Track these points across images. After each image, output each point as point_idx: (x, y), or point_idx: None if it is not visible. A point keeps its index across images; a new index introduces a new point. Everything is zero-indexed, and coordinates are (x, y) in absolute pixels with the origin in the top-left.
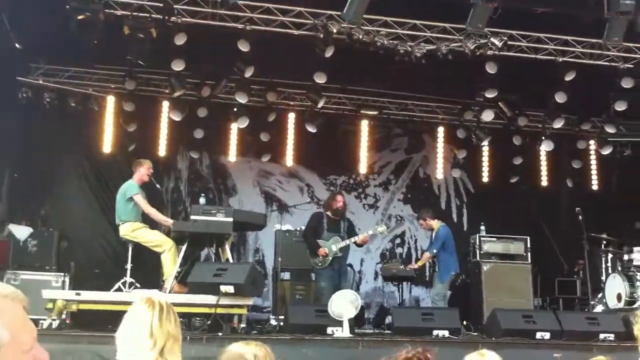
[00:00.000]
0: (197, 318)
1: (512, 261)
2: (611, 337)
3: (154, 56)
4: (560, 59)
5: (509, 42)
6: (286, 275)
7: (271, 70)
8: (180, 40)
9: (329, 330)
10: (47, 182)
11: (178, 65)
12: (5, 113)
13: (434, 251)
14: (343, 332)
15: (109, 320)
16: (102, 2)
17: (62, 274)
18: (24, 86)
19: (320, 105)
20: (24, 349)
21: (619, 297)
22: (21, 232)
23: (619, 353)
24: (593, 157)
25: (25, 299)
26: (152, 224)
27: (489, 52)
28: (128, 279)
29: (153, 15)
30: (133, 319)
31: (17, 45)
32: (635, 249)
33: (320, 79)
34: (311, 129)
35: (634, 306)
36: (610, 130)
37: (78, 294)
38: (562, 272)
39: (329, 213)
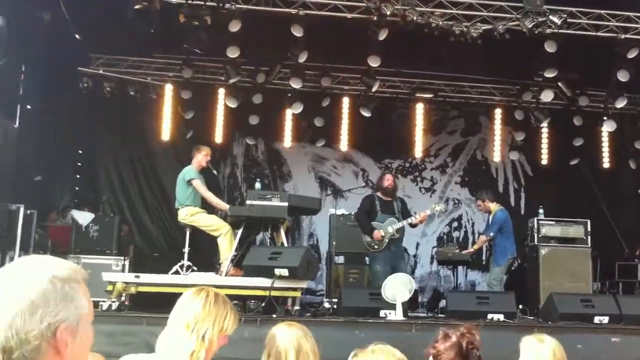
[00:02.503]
0: (252, 301)
1: (571, 245)
2: None
3: (209, 44)
4: (623, 36)
5: (569, 20)
6: (340, 259)
7: (325, 55)
8: (234, 27)
9: (382, 313)
10: (108, 169)
11: (233, 52)
12: (67, 102)
13: (491, 234)
14: (396, 315)
15: (167, 303)
16: None
17: (122, 257)
18: (85, 76)
19: (374, 89)
20: (90, 321)
21: None
22: (83, 217)
23: None
24: None
25: (85, 273)
26: (210, 209)
27: (548, 31)
28: (185, 262)
29: (208, 3)
30: (179, 304)
31: (77, 36)
32: None
33: (374, 62)
34: (365, 113)
35: None
36: None
37: (137, 277)
38: (623, 255)
39: (379, 194)
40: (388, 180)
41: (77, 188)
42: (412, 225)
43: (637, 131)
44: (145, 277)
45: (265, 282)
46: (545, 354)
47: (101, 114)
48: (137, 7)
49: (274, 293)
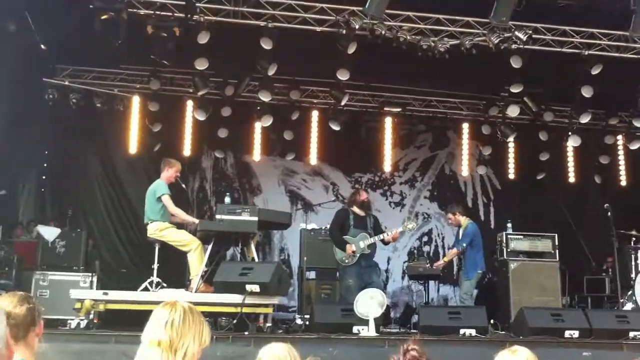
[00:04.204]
0: (223, 317)
1: (539, 259)
2: None
3: (177, 55)
4: (586, 52)
5: (534, 36)
6: (312, 274)
7: (294, 68)
8: (203, 38)
9: (355, 329)
10: (73, 183)
11: (201, 64)
12: (32, 114)
13: (464, 245)
14: (369, 331)
15: (136, 320)
16: (125, 2)
17: (90, 274)
18: (50, 87)
19: (343, 102)
20: None
21: None
22: (49, 232)
23: None
24: (621, 152)
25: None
26: (179, 224)
27: (514, 46)
28: (155, 278)
29: (176, 14)
30: (152, 320)
31: (42, 46)
32: None
33: (343, 76)
34: (335, 126)
35: None
36: (638, 124)
37: (105, 294)
38: (591, 269)
39: (354, 209)
40: (363, 196)
41: (42, 202)
42: (384, 242)
43: (601, 146)
44: (114, 294)
45: (236, 298)
46: None
47: (67, 126)
48: (103, 17)
49: (245, 309)
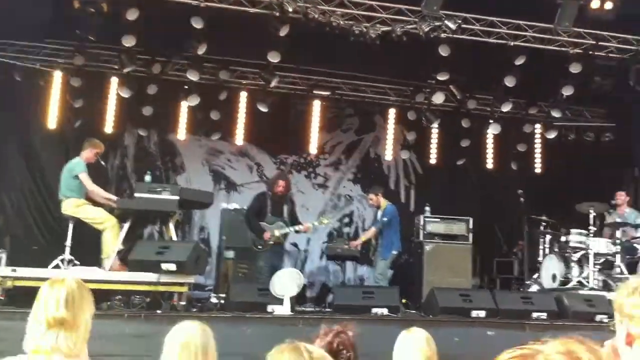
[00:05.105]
0: (136, 296)
1: (454, 241)
2: (544, 316)
3: (104, 31)
4: (512, 43)
5: (463, 25)
6: (230, 254)
7: (224, 48)
8: (131, 15)
9: (269, 308)
10: None
11: (129, 41)
12: None
13: (384, 221)
14: (283, 309)
15: None
16: None
17: None
18: None
19: (272, 84)
20: None
21: (553, 278)
22: None
23: (551, 331)
24: (538, 141)
25: None
26: (95, 202)
27: (443, 35)
28: (67, 256)
29: None
30: (46, 298)
31: None
32: (572, 230)
33: (273, 58)
34: (263, 108)
35: (567, 286)
36: (556, 114)
37: (14, 270)
38: (501, 252)
39: (272, 194)
40: (280, 187)
41: None
42: (297, 232)
43: (520, 135)
44: (23, 271)
45: (151, 277)
46: (413, 343)
47: None
48: None
49: (160, 288)
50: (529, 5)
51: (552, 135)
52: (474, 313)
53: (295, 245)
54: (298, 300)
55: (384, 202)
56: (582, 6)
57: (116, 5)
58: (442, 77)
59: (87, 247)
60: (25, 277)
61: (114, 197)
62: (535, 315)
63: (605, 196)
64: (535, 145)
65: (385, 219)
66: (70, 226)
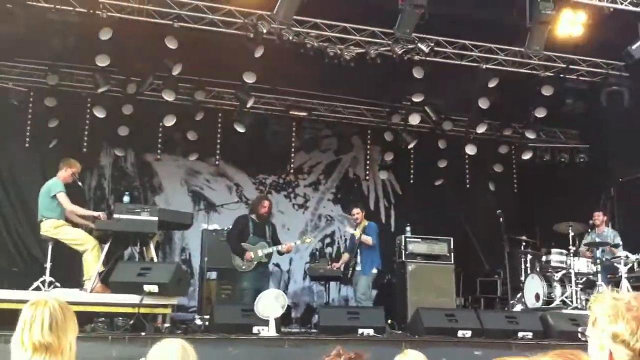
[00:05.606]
0: (120, 318)
1: (436, 261)
2: (529, 335)
3: (78, 51)
4: (484, 66)
5: (436, 48)
6: (212, 275)
7: (200, 68)
8: (105, 35)
9: (255, 329)
10: None
11: (103, 61)
12: None
13: (374, 241)
14: (269, 331)
15: None
16: None
17: None
18: None
19: (249, 105)
20: None
21: (537, 297)
22: None
23: (536, 350)
24: (514, 161)
25: None
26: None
27: (416, 58)
28: (47, 277)
29: (77, 9)
30: (28, 321)
31: None
32: (553, 250)
33: (249, 78)
34: (240, 128)
35: (551, 306)
36: (531, 136)
37: None
38: (484, 272)
39: (254, 216)
40: (264, 208)
41: None
42: (280, 253)
43: (495, 155)
44: (3, 293)
45: (133, 298)
46: None
47: None
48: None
49: (143, 310)
50: (499, 30)
51: (527, 156)
52: (460, 333)
53: (277, 265)
54: (283, 321)
55: (364, 220)
56: (551, 30)
57: (89, 25)
58: (417, 98)
59: (67, 269)
60: (5, 300)
61: (96, 213)
62: (520, 334)
63: (583, 216)
64: (512, 166)
65: (374, 235)
66: (50, 247)
